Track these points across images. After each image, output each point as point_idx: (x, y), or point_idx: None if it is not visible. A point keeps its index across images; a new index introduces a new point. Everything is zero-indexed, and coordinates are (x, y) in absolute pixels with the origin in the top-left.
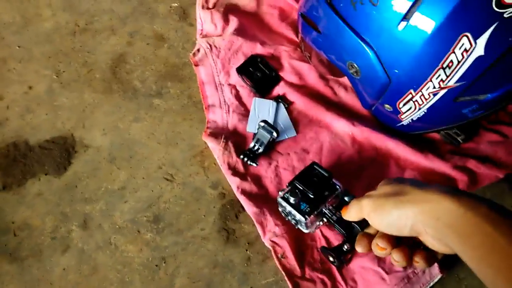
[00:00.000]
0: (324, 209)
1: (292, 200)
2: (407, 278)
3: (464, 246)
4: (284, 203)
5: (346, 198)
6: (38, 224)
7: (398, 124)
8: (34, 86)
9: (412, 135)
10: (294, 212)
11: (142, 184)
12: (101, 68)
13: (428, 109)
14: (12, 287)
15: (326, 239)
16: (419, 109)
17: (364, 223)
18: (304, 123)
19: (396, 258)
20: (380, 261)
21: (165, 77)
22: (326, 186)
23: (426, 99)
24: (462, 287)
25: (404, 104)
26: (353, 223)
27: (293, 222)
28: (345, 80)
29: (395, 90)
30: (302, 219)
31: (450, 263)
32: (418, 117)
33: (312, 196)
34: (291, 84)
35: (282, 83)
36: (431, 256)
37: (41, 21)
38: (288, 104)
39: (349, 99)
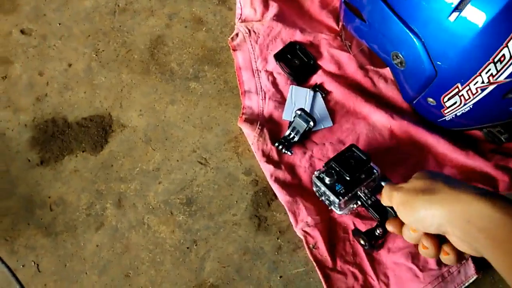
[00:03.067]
0: (359, 192)
1: (327, 180)
2: (441, 277)
3: (496, 252)
4: (319, 183)
5: (383, 183)
6: (73, 200)
7: (440, 119)
8: (73, 64)
9: (453, 132)
10: (328, 192)
11: (176, 167)
12: (139, 49)
13: (474, 104)
14: (46, 260)
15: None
16: (465, 104)
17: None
18: (341, 114)
19: (426, 244)
20: (414, 258)
21: (202, 61)
22: (363, 169)
23: (473, 94)
24: None
25: (449, 99)
26: (387, 208)
27: (326, 202)
28: (385, 71)
29: (441, 84)
30: (336, 200)
31: (486, 263)
32: (462, 113)
33: (348, 178)
34: (329, 73)
35: (320, 72)
36: (461, 251)
37: (82, 0)
38: (326, 94)
39: (389, 91)
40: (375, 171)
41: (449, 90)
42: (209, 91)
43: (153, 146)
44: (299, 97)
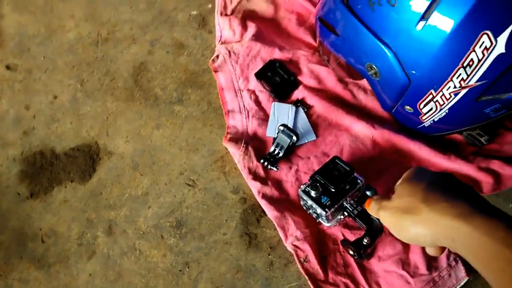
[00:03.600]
0: (345, 203)
1: (313, 193)
2: (432, 281)
3: (484, 270)
4: (305, 197)
5: (368, 193)
6: (64, 231)
7: (420, 126)
8: (59, 96)
9: (434, 137)
10: (315, 205)
11: (164, 190)
12: (123, 77)
13: (449, 109)
14: None
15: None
16: (440, 109)
17: None
18: (324, 127)
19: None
20: (404, 264)
21: (185, 84)
22: (347, 180)
23: (447, 99)
24: None
25: (425, 105)
26: (373, 217)
27: (314, 215)
28: (364, 82)
29: (415, 91)
30: (323, 212)
31: None
32: (440, 118)
33: (333, 190)
34: (310, 88)
35: (301, 87)
36: None
37: (65, 32)
38: (307, 108)
39: (369, 101)
40: (359, 181)
41: (424, 97)
42: (193, 113)
43: (140, 171)
44: (281, 113)
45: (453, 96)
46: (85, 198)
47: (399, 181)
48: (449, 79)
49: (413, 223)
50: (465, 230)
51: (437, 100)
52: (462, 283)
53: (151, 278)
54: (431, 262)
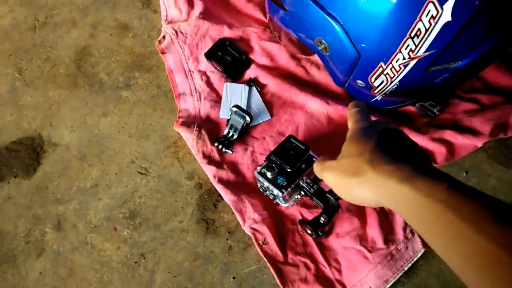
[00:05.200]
0: (301, 182)
1: (269, 174)
2: (390, 255)
3: (426, 234)
4: (261, 178)
5: None
6: (10, 229)
7: (373, 100)
8: None
9: (387, 111)
10: (271, 187)
11: (115, 180)
12: (64, 63)
13: (400, 81)
14: None
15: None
16: (391, 82)
17: (338, 195)
18: (278, 105)
19: None
20: (362, 239)
21: (132, 68)
22: (303, 159)
23: (397, 71)
24: None
25: (376, 78)
26: (328, 195)
27: (271, 197)
28: (316, 58)
29: (365, 65)
30: (280, 193)
31: None
32: (391, 91)
33: (289, 170)
34: (262, 67)
35: (253, 66)
36: None
37: None
38: (261, 87)
39: (322, 77)
40: (314, 159)
41: (374, 70)
42: (142, 98)
43: (88, 162)
44: (234, 94)
45: (402, 68)
46: (30, 193)
47: (347, 139)
48: (397, 50)
49: (357, 184)
50: (408, 192)
51: (387, 73)
52: (419, 255)
53: (105, 272)
54: (388, 236)
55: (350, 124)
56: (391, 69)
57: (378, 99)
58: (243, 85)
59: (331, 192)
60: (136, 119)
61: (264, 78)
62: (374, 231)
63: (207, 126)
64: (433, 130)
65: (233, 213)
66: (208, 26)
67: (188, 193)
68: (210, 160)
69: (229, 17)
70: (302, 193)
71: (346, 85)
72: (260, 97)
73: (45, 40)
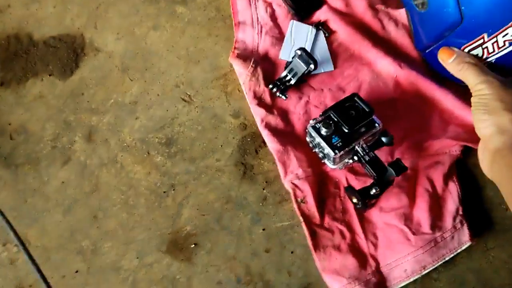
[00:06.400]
0: (357, 147)
1: (323, 131)
2: (434, 241)
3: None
4: (314, 133)
5: (383, 139)
6: (37, 130)
7: None
8: None
9: (464, 88)
10: (323, 144)
11: (156, 101)
12: None
13: (497, 59)
14: (4, 194)
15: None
16: (487, 58)
17: (398, 170)
18: (344, 58)
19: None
20: (407, 219)
21: None
22: (364, 122)
23: (499, 48)
24: (489, 257)
25: (470, 50)
26: (387, 166)
27: (320, 155)
28: (397, 14)
29: (464, 32)
30: (331, 153)
31: (480, 230)
32: None
33: (346, 131)
34: (335, 10)
35: (325, 7)
36: None
37: None
38: (329, 33)
39: (399, 36)
40: (377, 125)
41: (473, 41)
42: (198, 18)
43: (130, 76)
44: (299, 35)
45: (507, 45)
46: (64, 96)
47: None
48: (509, 24)
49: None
50: None
51: (486, 47)
52: (464, 247)
53: (131, 196)
54: (435, 221)
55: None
56: (493, 44)
57: None
58: (310, 26)
59: (393, 164)
60: (188, 40)
61: (335, 23)
62: (421, 213)
63: (263, 64)
64: None
65: (274, 162)
66: None
67: (230, 131)
68: (260, 102)
69: None
70: (356, 158)
71: (427, 51)
72: (326, 44)
73: None
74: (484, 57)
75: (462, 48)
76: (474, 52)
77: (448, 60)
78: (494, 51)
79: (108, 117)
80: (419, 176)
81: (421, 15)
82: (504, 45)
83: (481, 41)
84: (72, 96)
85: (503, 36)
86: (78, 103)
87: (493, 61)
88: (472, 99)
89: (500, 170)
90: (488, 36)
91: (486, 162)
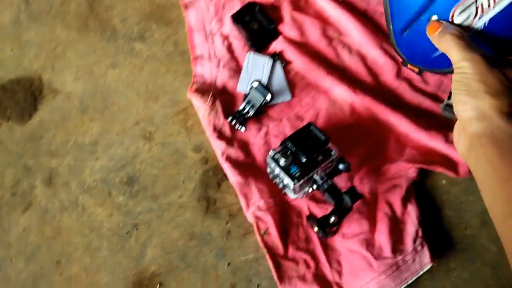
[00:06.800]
0: (315, 175)
1: (282, 162)
2: (396, 265)
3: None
4: (273, 164)
5: (340, 166)
6: None
7: (436, 53)
8: None
9: (418, 111)
10: (282, 175)
11: (116, 140)
12: (76, 0)
13: (491, 19)
14: None
15: (314, 216)
16: (480, 18)
17: (356, 197)
18: (301, 86)
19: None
20: (369, 245)
21: (149, 18)
22: (320, 150)
23: (495, 2)
24: (452, 278)
25: (462, 11)
26: (344, 195)
27: (280, 185)
28: (350, 41)
29: None
30: (291, 183)
31: (441, 251)
32: (471, 34)
33: (304, 160)
34: (290, 40)
35: (280, 38)
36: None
37: None
38: (286, 63)
39: (353, 63)
40: (333, 153)
41: None
42: (156, 54)
43: (90, 116)
44: (256, 66)
45: None
46: (23, 141)
47: (485, 64)
48: None
49: (469, 97)
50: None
51: (481, 3)
52: (426, 269)
53: (93, 239)
54: (396, 245)
55: (471, 53)
56: None
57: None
58: (267, 57)
59: (347, 193)
60: (147, 77)
61: (291, 53)
62: (382, 238)
63: (222, 97)
64: None
65: (237, 195)
66: None
67: (192, 166)
68: (220, 135)
69: None
70: (314, 187)
71: (406, 32)
72: (283, 74)
73: None
74: (477, 17)
75: (453, 10)
76: (466, 12)
77: (434, 33)
78: (489, 6)
79: (68, 159)
80: (378, 200)
81: None
82: None
83: None
84: (32, 140)
85: None
86: (37, 147)
87: (486, 23)
88: (453, 76)
89: (477, 159)
90: None
91: (462, 145)
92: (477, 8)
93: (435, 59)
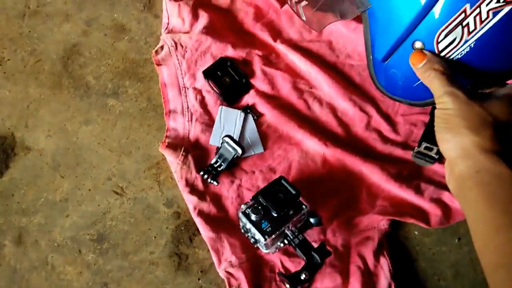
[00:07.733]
0: (286, 230)
1: (253, 217)
2: None
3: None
4: (244, 219)
5: (312, 220)
6: None
7: (419, 82)
8: None
9: (391, 160)
10: (254, 230)
11: (87, 197)
12: (50, 59)
13: (478, 40)
14: None
15: (287, 270)
16: (465, 42)
17: (325, 254)
18: (273, 139)
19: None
20: None
21: (122, 75)
22: (292, 204)
23: (481, 22)
24: None
25: (447, 34)
26: (313, 252)
27: (252, 240)
28: (321, 93)
29: (443, 8)
30: (262, 239)
31: None
32: (458, 58)
33: (275, 215)
34: (262, 94)
35: (252, 92)
36: None
37: None
38: (258, 116)
39: (324, 115)
40: (304, 207)
41: (452, 18)
42: (129, 109)
43: (61, 172)
44: (229, 120)
45: (491, 16)
46: None
47: (464, 98)
48: None
49: (449, 133)
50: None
51: (467, 23)
52: None
53: None
54: None
55: (453, 88)
56: (475, 17)
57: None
58: (239, 111)
59: (317, 249)
60: (120, 132)
61: (262, 106)
62: None
63: (194, 151)
64: (432, 189)
65: (209, 250)
66: (211, 43)
67: (164, 221)
68: (192, 189)
69: (234, 35)
70: (286, 241)
71: (387, 61)
72: (255, 126)
73: (33, 30)
74: (464, 39)
75: (439, 32)
76: (450, 36)
77: (418, 64)
78: (475, 28)
79: (38, 217)
80: (351, 253)
81: (388, 7)
82: (488, 16)
83: (463, 15)
84: (2, 198)
85: (487, 5)
86: (7, 205)
87: (471, 46)
88: (436, 112)
89: (465, 202)
90: (472, 6)
91: (452, 186)
92: (463, 29)
93: (416, 88)
